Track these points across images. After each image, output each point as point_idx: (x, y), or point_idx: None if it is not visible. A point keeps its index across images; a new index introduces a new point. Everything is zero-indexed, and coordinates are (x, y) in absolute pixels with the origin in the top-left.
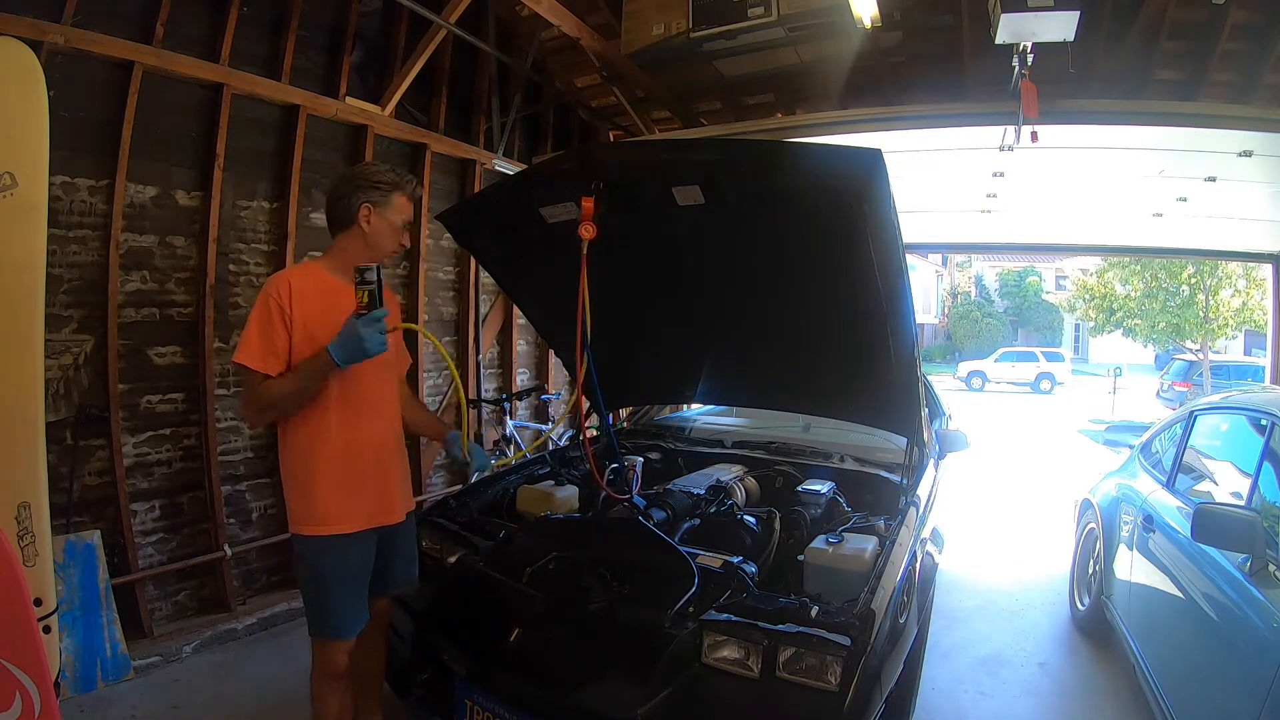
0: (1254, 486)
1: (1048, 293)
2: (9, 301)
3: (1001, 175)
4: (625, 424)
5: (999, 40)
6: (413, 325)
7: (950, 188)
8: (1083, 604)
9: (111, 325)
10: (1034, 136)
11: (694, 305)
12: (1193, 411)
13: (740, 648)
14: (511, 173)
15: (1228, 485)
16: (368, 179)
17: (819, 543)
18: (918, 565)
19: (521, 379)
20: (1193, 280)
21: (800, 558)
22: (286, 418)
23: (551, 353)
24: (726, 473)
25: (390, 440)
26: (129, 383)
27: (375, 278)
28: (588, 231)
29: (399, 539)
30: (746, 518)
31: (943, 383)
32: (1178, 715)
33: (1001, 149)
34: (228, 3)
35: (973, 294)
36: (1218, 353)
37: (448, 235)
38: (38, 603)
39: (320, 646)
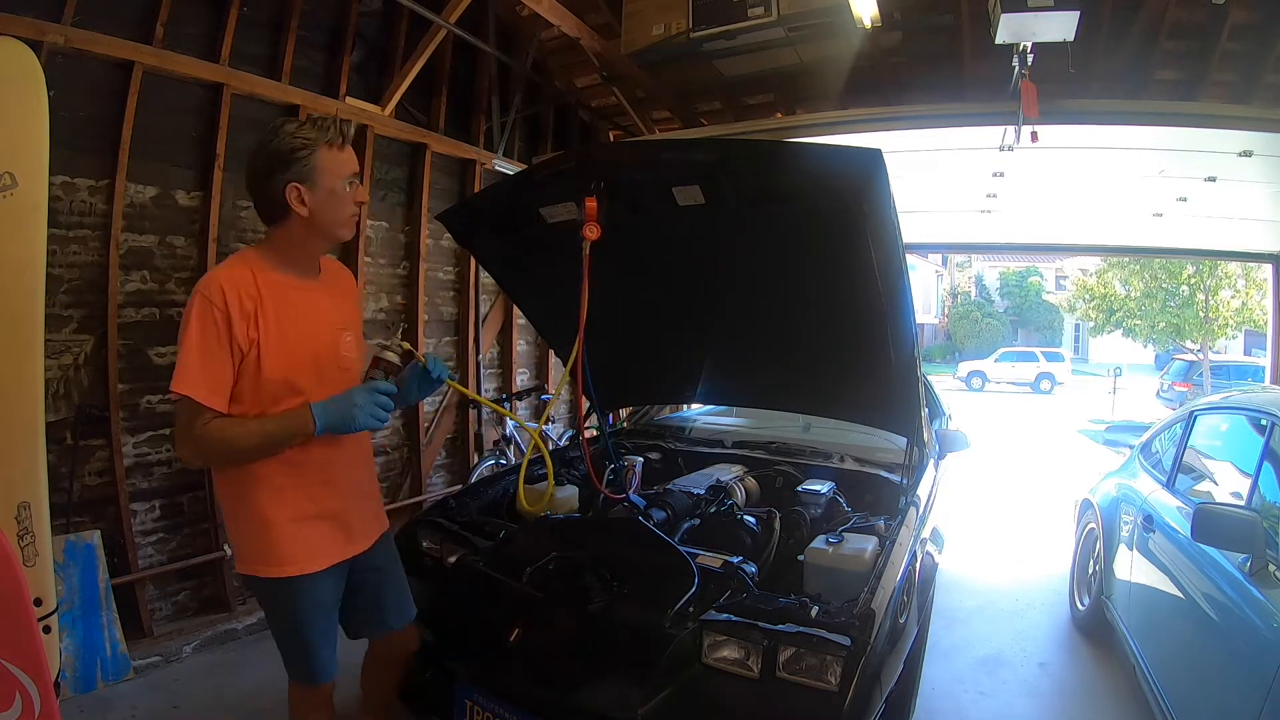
0: (1254, 486)
1: (1048, 293)
2: (9, 301)
3: (1001, 175)
4: (625, 424)
5: (999, 40)
6: (463, 389)
7: (950, 188)
8: (1083, 604)
9: (111, 325)
10: (1034, 136)
11: (694, 305)
12: (1193, 411)
13: (740, 648)
14: (511, 173)
15: (1228, 485)
16: (279, 151)
17: (819, 543)
18: (918, 565)
19: (521, 379)
20: (1193, 280)
21: (800, 558)
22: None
23: (551, 353)
24: (726, 473)
25: (358, 456)
26: (129, 383)
27: (399, 360)
28: (592, 232)
29: (383, 567)
30: (746, 518)
31: (943, 383)
32: (1178, 715)
33: (1001, 149)
34: (228, 3)
35: (973, 294)
36: (1218, 353)
37: (448, 235)
38: (38, 603)
39: (299, 690)
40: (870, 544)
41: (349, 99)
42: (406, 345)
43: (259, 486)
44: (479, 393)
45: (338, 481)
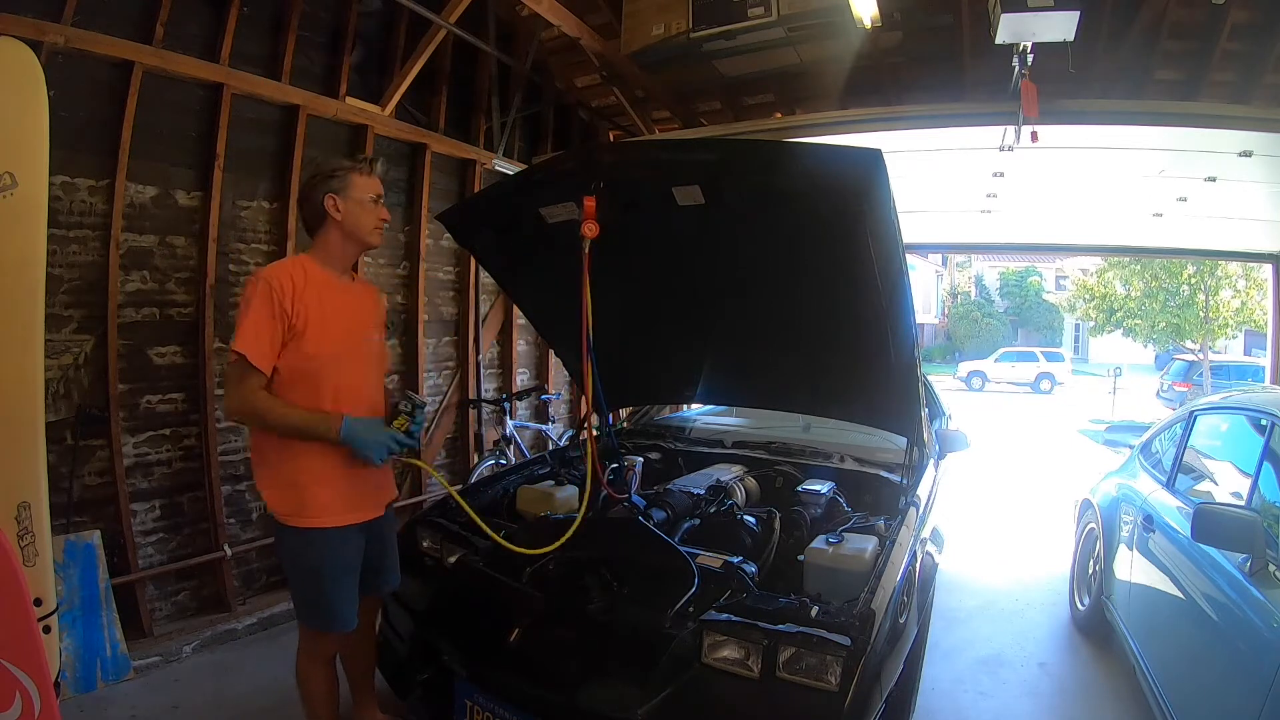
0: (1254, 486)
1: (1048, 293)
2: (9, 301)
3: (1001, 175)
4: (625, 424)
5: (999, 40)
6: (417, 462)
7: (950, 188)
8: (1083, 604)
9: (111, 325)
10: (1034, 136)
11: (694, 305)
12: (1193, 411)
13: (740, 648)
14: (511, 173)
15: (1228, 485)
16: (322, 172)
17: (819, 543)
18: (918, 565)
19: (521, 379)
20: (1193, 280)
21: (800, 558)
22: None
23: (551, 353)
24: (726, 473)
25: None
26: (129, 383)
27: (420, 416)
28: (591, 230)
29: (385, 535)
30: (746, 518)
31: (943, 383)
32: (1178, 715)
33: (1001, 149)
34: (228, 3)
35: (973, 294)
36: (1218, 353)
37: (448, 235)
38: (38, 603)
39: (311, 634)
40: (870, 544)
41: (349, 99)
42: (417, 402)
43: (290, 452)
44: (479, 393)
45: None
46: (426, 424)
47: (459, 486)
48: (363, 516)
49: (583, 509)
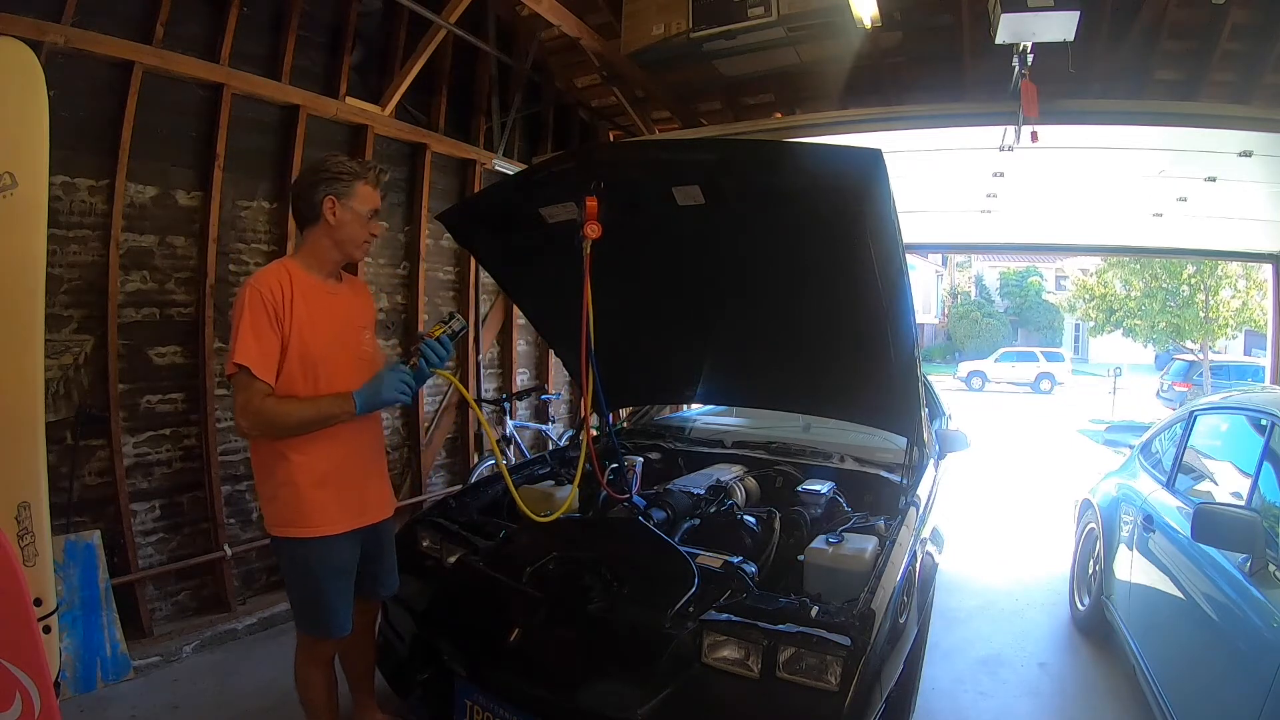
0: (1254, 486)
1: (1048, 293)
2: (9, 301)
3: (1001, 175)
4: (625, 424)
5: (999, 40)
6: (449, 376)
7: (950, 188)
8: (1083, 604)
9: (111, 325)
10: (1034, 136)
11: (694, 305)
12: (1193, 411)
13: (740, 648)
14: (511, 173)
15: (1228, 485)
16: (329, 170)
17: (819, 543)
18: (918, 565)
19: (521, 379)
20: (1193, 280)
21: (800, 558)
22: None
23: (551, 353)
24: (726, 473)
25: (372, 439)
26: (129, 383)
27: (457, 327)
28: (593, 231)
29: (384, 542)
30: (746, 518)
31: (943, 383)
32: (1178, 715)
33: (1001, 149)
34: (228, 3)
35: (973, 294)
36: (1218, 353)
37: (448, 235)
38: (38, 603)
39: (309, 639)
40: (870, 544)
41: (349, 99)
42: (459, 319)
43: (288, 459)
44: (479, 393)
45: (354, 460)
46: (427, 424)
47: (458, 487)
48: (359, 523)
49: (575, 486)
